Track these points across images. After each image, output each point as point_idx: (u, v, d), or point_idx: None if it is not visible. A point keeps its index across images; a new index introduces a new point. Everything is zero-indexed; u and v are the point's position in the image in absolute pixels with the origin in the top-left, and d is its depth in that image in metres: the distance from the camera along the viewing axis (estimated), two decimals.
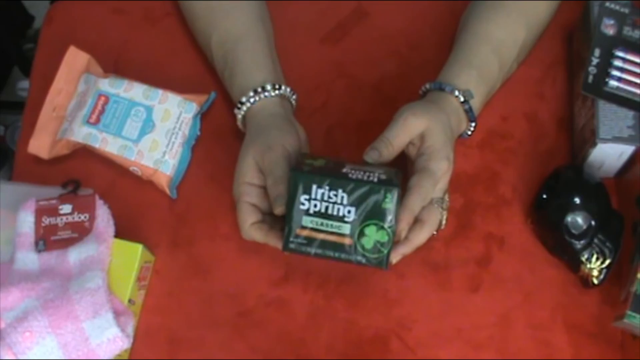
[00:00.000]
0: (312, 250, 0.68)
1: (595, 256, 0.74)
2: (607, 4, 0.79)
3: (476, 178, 0.82)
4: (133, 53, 0.88)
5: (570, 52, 0.87)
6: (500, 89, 0.81)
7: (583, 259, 0.74)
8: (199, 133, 0.83)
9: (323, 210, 0.68)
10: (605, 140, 0.75)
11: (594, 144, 0.75)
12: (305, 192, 0.68)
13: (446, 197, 0.72)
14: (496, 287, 0.77)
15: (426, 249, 0.78)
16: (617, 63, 0.77)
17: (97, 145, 0.80)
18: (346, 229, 0.68)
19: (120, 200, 0.79)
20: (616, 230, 0.75)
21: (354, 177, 0.68)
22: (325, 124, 0.85)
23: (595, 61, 0.77)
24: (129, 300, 0.73)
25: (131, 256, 0.74)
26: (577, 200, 0.74)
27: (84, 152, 0.82)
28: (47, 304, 0.69)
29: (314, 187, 0.68)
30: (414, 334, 0.76)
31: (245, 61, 0.79)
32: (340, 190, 0.68)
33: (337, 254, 0.68)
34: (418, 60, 0.87)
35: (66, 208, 0.75)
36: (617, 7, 0.79)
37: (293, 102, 0.80)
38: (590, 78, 0.77)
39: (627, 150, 0.76)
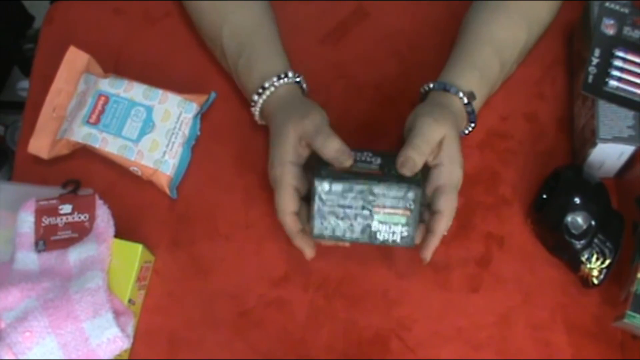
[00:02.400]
0: (346, 176, 0.67)
1: (595, 256, 0.74)
2: (607, 4, 0.79)
3: (476, 178, 0.82)
4: (133, 53, 0.88)
5: (570, 52, 0.87)
6: (499, 89, 0.81)
7: (583, 259, 0.74)
8: (199, 133, 0.83)
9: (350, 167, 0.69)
10: (606, 140, 0.75)
11: (594, 144, 0.75)
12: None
13: None
14: (496, 287, 0.77)
15: None
16: (617, 63, 0.77)
17: (97, 145, 0.80)
18: (375, 166, 0.70)
19: (120, 200, 0.79)
20: (616, 231, 0.75)
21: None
22: None
23: (595, 61, 0.77)
24: (129, 300, 0.73)
25: (131, 256, 0.74)
26: (577, 200, 0.74)
27: (84, 152, 0.82)
28: (47, 304, 0.69)
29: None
30: (414, 334, 0.76)
31: (265, 50, 0.79)
32: (365, 153, 0.72)
33: (371, 178, 0.67)
34: (418, 60, 0.87)
35: (66, 208, 0.75)
36: (617, 7, 0.79)
37: (305, 89, 0.80)
38: (591, 78, 0.77)
39: (627, 150, 0.76)
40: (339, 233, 0.69)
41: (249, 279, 0.78)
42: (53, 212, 0.75)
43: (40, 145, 0.81)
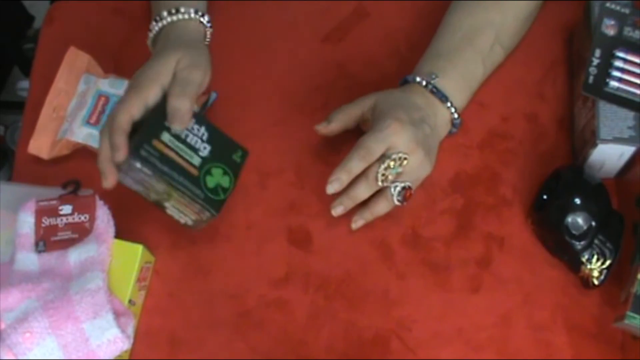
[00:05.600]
0: (160, 166, 0.70)
1: (595, 257, 0.74)
2: (608, 4, 0.79)
3: (476, 178, 0.82)
4: (133, 53, 0.88)
5: (571, 53, 0.87)
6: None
7: (583, 259, 0.74)
8: None
9: (183, 136, 0.72)
10: (606, 141, 0.75)
11: (595, 145, 0.75)
12: None
13: (399, 162, 0.73)
14: (496, 287, 0.77)
15: (426, 250, 0.78)
16: (618, 64, 0.77)
17: (96, 146, 0.80)
18: (197, 160, 0.72)
19: (121, 201, 0.78)
20: (617, 231, 0.75)
21: (218, 128, 0.74)
22: None
23: (595, 62, 0.77)
24: (129, 301, 0.73)
25: (131, 257, 0.73)
26: (577, 200, 0.74)
27: (84, 152, 0.82)
28: (47, 305, 0.69)
29: None
30: (414, 334, 0.76)
31: None
32: (203, 127, 0.73)
33: (181, 180, 0.70)
34: (418, 60, 0.87)
35: (66, 209, 0.75)
36: (618, 8, 0.79)
37: (209, 35, 0.81)
38: (591, 78, 0.77)
39: (628, 150, 0.76)
40: (135, 189, 0.72)
41: (249, 279, 0.78)
42: (53, 212, 0.75)
43: (40, 145, 0.81)
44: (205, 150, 0.73)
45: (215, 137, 0.74)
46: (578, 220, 0.74)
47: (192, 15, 0.78)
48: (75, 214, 0.75)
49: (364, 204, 0.76)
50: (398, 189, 0.73)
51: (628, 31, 0.78)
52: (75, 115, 0.81)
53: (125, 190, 0.81)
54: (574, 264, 0.75)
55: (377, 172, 0.72)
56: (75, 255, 0.73)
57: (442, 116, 0.78)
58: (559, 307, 0.76)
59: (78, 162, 0.83)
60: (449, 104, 0.77)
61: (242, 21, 0.90)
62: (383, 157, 0.72)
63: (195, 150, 0.72)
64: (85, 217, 0.75)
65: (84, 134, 0.80)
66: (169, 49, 0.74)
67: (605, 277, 0.74)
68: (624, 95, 0.76)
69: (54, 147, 0.81)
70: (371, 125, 0.74)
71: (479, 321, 0.76)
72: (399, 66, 0.87)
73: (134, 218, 0.79)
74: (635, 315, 0.69)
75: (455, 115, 0.78)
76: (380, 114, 0.74)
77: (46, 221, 0.75)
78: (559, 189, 0.75)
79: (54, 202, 0.75)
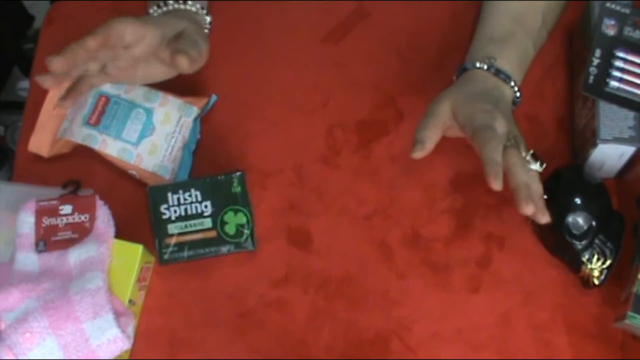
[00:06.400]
0: (185, 254, 0.74)
1: (595, 257, 0.74)
2: (608, 4, 0.79)
3: (476, 178, 0.81)
4: None
5: (571, 53, 0.87)
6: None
7: (584, 259, 0.74)
8: (199, 136, 0.83)
9: (183, 213, 0.75)
10: (606, 141, 0.75)
11: (595, 145, 0.75)
12: (162, 202, 0.75)
13: (521, 137, 0.71)
14: (496, 287, 0.77)
15: (426, 250, 0.78)
16: (618, 64, 0.77)
17: (96, 147, 0.79)
18: (208, 223, 0.75)
19: (121, 201, 0.78)
20: (617, 231, 0.75)
21: (203, 176, 0.76)
22: (325, 124, 0.85)
23: (595, 62, 0.77)
24: (130, 301, 0.73)
25: (131, 257, 0.73)
26: (577, 200, 0.74)
27: (85, 152, 0.82)
28: (47, 305, 0.69)
29: (169, 194, 0.75)
30: (415, 334, 0.76)
31: None
32: (192, 190, 0.75)
33: (207, 250, 0.74)
34: (419, 60, 0.87)
35: (66, 209, 0.75)
36: (618, 8, 0.79)
37: (207, 28, 0.83)
38: (591, 78, 0.77)
39: (628, 150, 0.76)
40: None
41: (249, 279, 0.78)
42: (53, 212, 0.75)
43: (40, 143, 0.81)
44: (207, 208, 0.75)
45: (208, 189, 0.76)
46: (578, 220, 0.74)
47: (199, 10, 0.81)
48: (76, 214, 0.75)
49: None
50: (530, 159, 0.70)
51: (628, 31, 0.78)
52: (75, 115, 0.81)
53: (125, 191, 0.81)
54: (574, 263, 0.75)
55: (524, 156, 0.69)
56: (75, 255, 0.73)
57: (507, 95, 0.77)
58: (559, 307, 0.76)
59: (78, 161, 0.82)
60: (512, 83, 0.77)
61: (242, 21, 0.90)
62: (512, 143, 0.69)
63: (200, 215, 0.75)
64: (85, 217, 0.75)
65: (83, 135, 0.80)
66: (178, 18, 0.78)
67: (605, 277, 0.74)
68: (624, 95, 0.76)
69: (54, 145, 0.81)
70: (468, 129, 0.71)
71: (478, 321, 0.76)
72: (400, 66, 0.87)
73: (134, 218, 0.79)
74: (636, 315, 0.69)
75: (518, 94, 0.77)
76: (467, 117, 0.71)
77: (46, 221, 0.75)
78: (559, 189, 0.75)
79: (54, 202, 0.75)
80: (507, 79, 0.76)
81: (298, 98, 0.85)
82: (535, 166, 0.69)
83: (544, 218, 0.67)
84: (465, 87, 0.76)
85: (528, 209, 0.65)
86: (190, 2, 0.80)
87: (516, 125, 0.72)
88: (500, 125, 0.70)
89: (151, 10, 0.81)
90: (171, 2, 0.80)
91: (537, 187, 0.68)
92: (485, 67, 0.76)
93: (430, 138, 0.72)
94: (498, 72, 0.76)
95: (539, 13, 0.80)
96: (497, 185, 0.65)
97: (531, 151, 0.70)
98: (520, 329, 0.76)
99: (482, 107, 0.71)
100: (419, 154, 0.71)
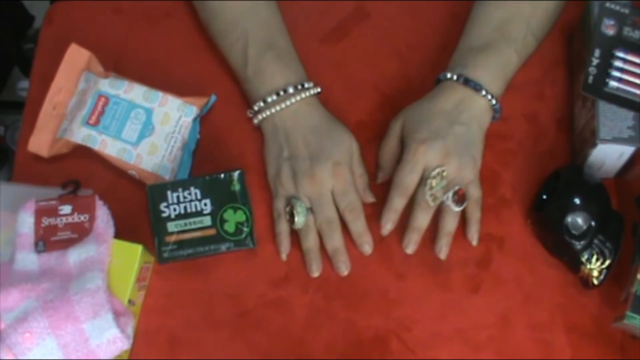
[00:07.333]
0: (185, 252, 0.74)
1: (595, 257, 0.74)
2: (607, 4, 0.79)
3: None
4: (133, 53, 0.88)
5: (570, 53, 0.87)
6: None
7: (583, 259, 0.74)
8: (198, 136, 0.83)
9: (182, 211, 0.75)
10: (606, 141, 0.75)
11: (594, 145, 0.75)
12: (162, 200, 0.75)
13: (439, 177, 0.74)
14: (496, 287, 0.77)
15: (426, 250, 0.78)
16: (618, 64, 0.77)
17: (96, 147, 0.80)
18: (207, 221, 0.75)
19: (120, 201, 0.78)
20: (616, 231, 0.75)
21: (202, 174, 0.76)
22: None
23: (595, 62, 0.77)
24: (129, 301, 0.73)
25: (131, 257, 0.73)
26: (577, 200, 0.74)
27: (84, 152, 0.82)
28: (47, 305, 0.69)
29: (169, 192, 0.75)
30: (414, 334, 0.76)
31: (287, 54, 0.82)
32: (192, 188, 0.75)
33: (207, 248, 0.74)
34: (418, 60, 0.87)
35: (66, 209, 0.75)
36: (617, 8, 0.79)
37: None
38: (591, 79, 0.77)
39: (627, 150, 0.76)
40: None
41: (249, 279, 0.78)
42: (53, 212, 0.75)
43: (40, 143, 0.81)
44: (207, 206, 0.75)
45: (208, 187, 0.76)
46: (578, 220, 0.74)
47: (319, 89, 0.81)
48: (75, 214, 0.75)
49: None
50: (450, 198, 0.75)
51: (628, 31, 0.78)
52: (75, 115, 0.81)
53: (125, 191, 0.82)
54: (574, 264, 0.75)
55: (425, 196, 0.74)
56: (75, 255, 0.73)
57: (480, 106, 0.77)
58: (558, 307, 0.76)
59: (78, 161, 0.83)
60: (483, 92, 0.76)
61: None
62: (423, 181, 0.74)
63: (200, 213, 0.75)
64: (85, 217, 0.75)
65: (83, 135, 0.80)
66: (339, 127, 0.81)
67: (604, 277, 0.74)
68: (623, 95, 0.76)
69: (54, 145, 0.81)
70: (402, 154, 0.77)
71: (478, 321, 0.76)
72: (399, 66, 0.87)
73: (133, 218, 0.79)
74: (635, 315, 0.69)
75: (494, 102, 0.77)
76: (406, 139, 0.77)
77: (46, 221, 0.75)
78: (558, 189, 0.75)
79: (54, 202, 0.75)
80: (477, 87, 0.76)
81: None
82: (453, 208, 0.75)
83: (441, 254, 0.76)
84: (423, 105, 0.78)
85: (384, 230, 0.75)
86: (307, 84, 0.80)
87: (456, 154, 0.75)
88: (422, 168, 0.75)
89: (261, 107, 0.80)
90: (291, 90, 0.79)
91: (446, 226, 0.77)
92: (455, 77, 0.76)
93: (389, 162, 0.80)
94: (467, 82, 0.76)
95: (523, 21, 0.79)
96: (384, 231, 0.75)
97: (452, 191, 0.75)
98: (520, 329, 0.76)
99: (418, 137, 0.75)
100: (381, 181, 0.81)
